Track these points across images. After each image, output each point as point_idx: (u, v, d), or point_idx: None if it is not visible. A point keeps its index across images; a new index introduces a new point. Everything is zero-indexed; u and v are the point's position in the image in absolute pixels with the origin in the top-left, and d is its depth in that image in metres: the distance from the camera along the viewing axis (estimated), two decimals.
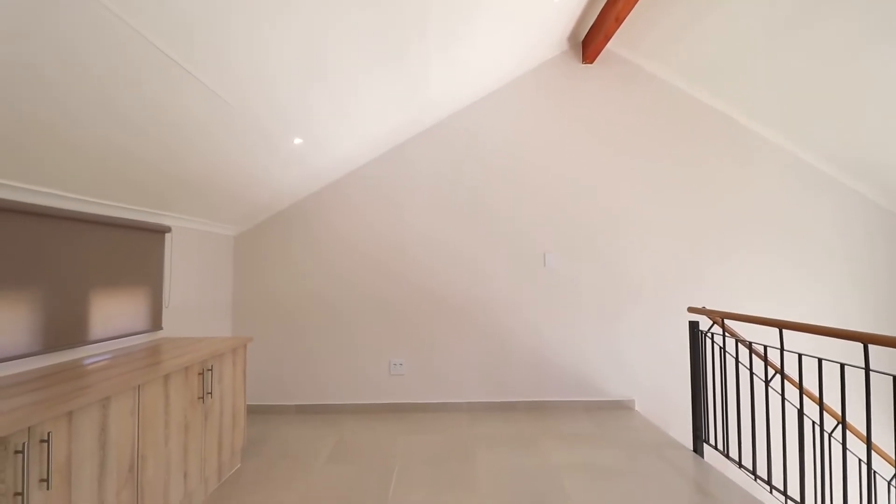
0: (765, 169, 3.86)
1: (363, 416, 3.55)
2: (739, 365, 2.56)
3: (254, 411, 3.56)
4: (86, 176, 1.96)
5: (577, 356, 3.75)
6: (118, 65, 1.50)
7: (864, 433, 1.85)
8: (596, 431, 3.19)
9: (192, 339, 2.64)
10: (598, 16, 3.44)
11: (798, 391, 2.14)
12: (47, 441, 1.30)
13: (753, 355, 2.53)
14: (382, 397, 3.68)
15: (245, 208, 3.34)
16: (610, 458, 2.74)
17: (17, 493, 1.21)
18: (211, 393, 2.26)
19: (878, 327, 3.79)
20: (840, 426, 2.01)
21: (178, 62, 1.63)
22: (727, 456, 2.63)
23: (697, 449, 2.84)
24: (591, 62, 3.83)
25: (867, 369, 1.76)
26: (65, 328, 2.01)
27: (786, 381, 2.34)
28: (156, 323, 2.65)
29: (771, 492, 2.29)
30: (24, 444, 1.23)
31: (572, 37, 3.76)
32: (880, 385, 1.82)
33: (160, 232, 2.69)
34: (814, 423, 2.12)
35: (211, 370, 2.26)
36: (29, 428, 1.25)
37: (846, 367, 1.89)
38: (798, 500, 2.10)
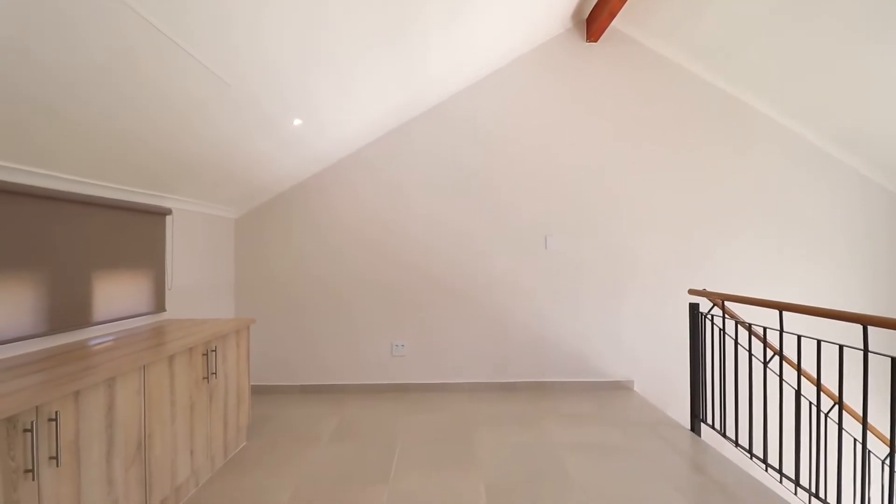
0: (767, 151, 3.82)
1: (365, 396, 3.60)
2: (738, 347, 2.57)
3: (258, 391, 3.61)
4: (87, 158, 1.95)
5: (577, 338, 3.78)
6: (118, 45, 1.47)
7: (861, 414, 1.87)
8: (595, 411, 3.24)
9: (195, 321, 2.66)
10: None
11: (796, 372, 2.16)
12: (55, 420, 1.32)
13: (752, 337, 2.55)
14: (384, 378, 3.73)
15: (245, 190, 3.33)
16: (609, 437, 2.78)
17: (27, 470, 1.24)
18: (215, 373, 2.29)
19: (876, 308, 3.80)
20: (836, 406, 2.03)
21: (176, 42, 1.61)
22: (724, 435, 2.67)
23: (695, 428, 2.88)
24: (596, 41, 3.75)
25: (866, 351, 1.77)
26: (69, 310, 2.03)
27: (784, 363, 2.36)
28: (159, 305, 2.67)
29: (766, 470, 2.33)
30: (32, 422, 1.25)
31: (576, 14, 3.68)
32: (879, 366, 1.83)
33: (161, 214, 2.69)
34: (811, 403, 2.15)
35: (215, 351, 2.29)
36: (37, 407, 1.27)
37: (845, 348, 1.90)
38: (793, 477, 2.14)
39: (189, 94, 1.95)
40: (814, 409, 2.12)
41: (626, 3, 3.24)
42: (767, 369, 2.34)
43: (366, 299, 3.73)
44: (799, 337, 2.09)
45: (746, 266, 3.80)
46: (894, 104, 3.23)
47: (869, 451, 1.86)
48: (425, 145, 3.76)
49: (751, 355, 2.45)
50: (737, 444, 2.57)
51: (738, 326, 2.66)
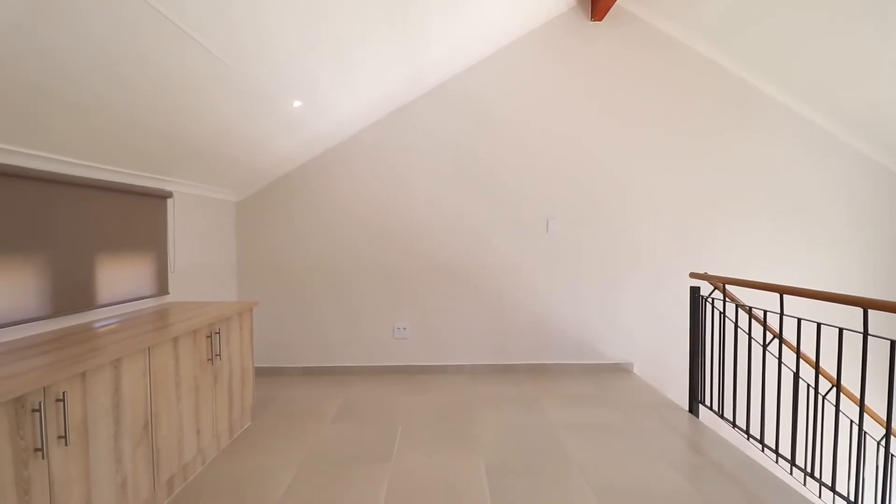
0: (773, 133, 3.78)
1: (368, 377, 3.65)
2: (738, 329, 2.59)
3: (262, 373, 3.66)
4: (87, 141, 1.94)
5: (577, 320, 3.80)
6: (118, 27, 1.45)
7: (858, 396, 1.88)
8: (595, 393, 3.28)
9: (198, 304, 2.68)
10: None
11: (795, 355, 2.17)
12: (63, 400, 1.34)
13: (753, 320, 2.56)
14: (387, 360, 3.77)
15: (246, 173, 3.31)
16: (608, 418, 2.82)
17: (37, 449, 1.26)
18: (219, 355, 2.32)
19: (879, 291, 3.81)
20: (834, 389, 2.05)
21: (175, 23, 1.58)
22: (721, 416, 2.71)
23: (693, 410, 2.92)
24: (601, 20, 3.68)
25: (865, 334, 1.78)
26: (74, 293, 2.04)
27: (783, 346, 2.37)
28: (162, 287, 2.68)
29: (763, 450, 2.36)
30: (40, 403, 1.27)
31: None
32: (878, 349, 1.84)
33: (162, 197, 2.68)
34: (808, 385, 2.17)
35: (218, 333, 2.31)
36: (44, 388, 1.29)
37: (844, 331, 1.91)
38: (789, 458, 2.18)
39: (188, 76, 1.93)
40: (811, 391, 2.14)
41: None
42: (766, 352, 2.35)
43: (368, 282, 3.74)
44: (799, 320, 2.10)
45: (748, 249, 3.80)
46: None
47: (865, 433, 1.89)
48: (426, 127, 3.72)
49: (750, 338, 2.46)
50: (734, 425, 2.60)
51: (739, 309, 2.67)
